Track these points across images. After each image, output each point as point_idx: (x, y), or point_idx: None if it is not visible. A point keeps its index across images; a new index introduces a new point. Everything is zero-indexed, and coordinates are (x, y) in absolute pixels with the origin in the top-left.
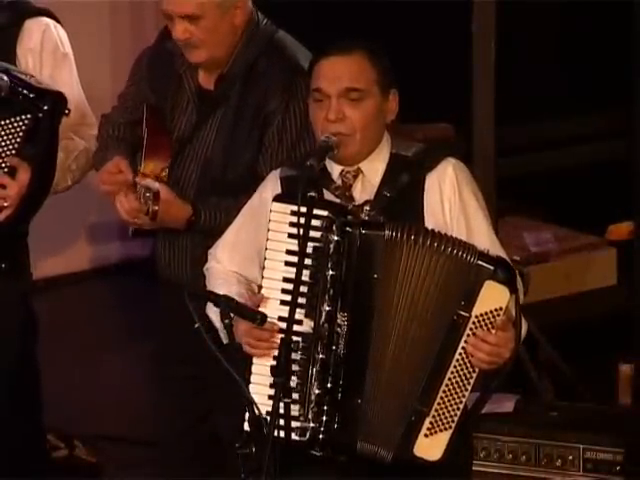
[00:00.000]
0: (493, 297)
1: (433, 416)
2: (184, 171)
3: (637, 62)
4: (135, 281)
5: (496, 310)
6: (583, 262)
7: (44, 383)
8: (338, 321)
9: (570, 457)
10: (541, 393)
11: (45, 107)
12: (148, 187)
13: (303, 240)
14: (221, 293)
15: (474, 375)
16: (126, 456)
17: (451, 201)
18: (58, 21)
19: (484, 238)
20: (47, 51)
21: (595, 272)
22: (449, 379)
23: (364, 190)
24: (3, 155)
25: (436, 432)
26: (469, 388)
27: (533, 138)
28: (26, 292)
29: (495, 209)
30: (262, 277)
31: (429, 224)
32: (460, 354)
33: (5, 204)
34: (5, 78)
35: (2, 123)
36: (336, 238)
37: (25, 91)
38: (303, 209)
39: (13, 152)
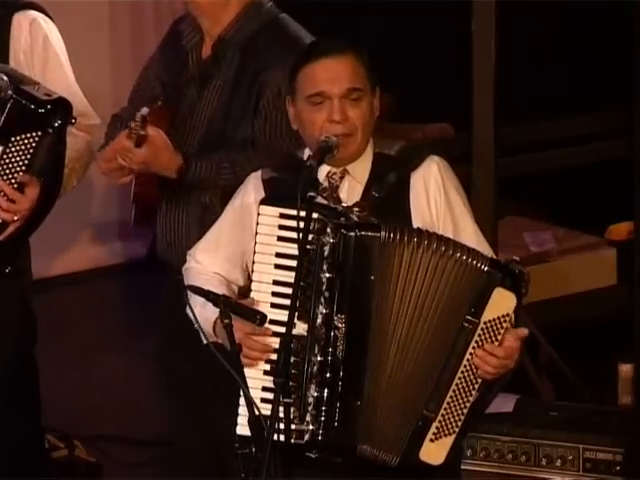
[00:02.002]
0: (502, 303)
1: (439, 421)
2: (185, 137)
3: (637, 62)
4: (136, 281)
5: (504, 316)
6: (583, 262)
7: (44, 383)
8: (335, 323)
9: (570, 457)
10: (541, 393)
11: (56, 124)
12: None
13: (302, 242)
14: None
15: (480, 380)
16: (126, 456)
17: (437, 199)
18: (48, 15)
19: (471, 237)
20: (37, 45)
21: (595, 272)
22: (456, 384)
23: (351, 191)
24: (14, 171)
25: (441, 437)
26: (474, 393)
27: (533, 138)
28: (25, 291)
29: (495, 209)
30: (251, 281)
31: (416, 223)
32: (468, 360)
33: (15, 218)
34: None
35: (13, 140)
36: (331, 240)
37: (34, 106)
38: (301, 212)
39: (23, 168)
